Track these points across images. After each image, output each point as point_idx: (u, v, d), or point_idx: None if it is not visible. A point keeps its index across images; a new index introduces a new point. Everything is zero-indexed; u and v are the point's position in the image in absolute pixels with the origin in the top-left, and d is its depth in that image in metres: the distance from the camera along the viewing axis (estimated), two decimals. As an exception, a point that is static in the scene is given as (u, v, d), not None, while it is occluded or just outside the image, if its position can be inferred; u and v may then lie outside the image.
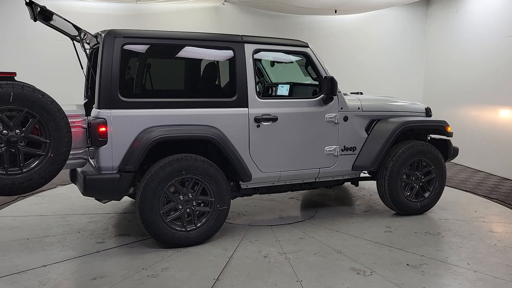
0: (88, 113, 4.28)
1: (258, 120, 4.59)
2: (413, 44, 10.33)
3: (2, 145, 3.55)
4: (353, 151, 5.17)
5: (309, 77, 5.57)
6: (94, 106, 4.15)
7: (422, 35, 10.33)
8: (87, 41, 5.15)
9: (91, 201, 5.87)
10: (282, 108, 4.72)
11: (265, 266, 3.95)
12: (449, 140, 5.64)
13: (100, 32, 4.20)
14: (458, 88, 9.19)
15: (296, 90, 5.68)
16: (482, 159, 8.51)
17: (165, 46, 4.40)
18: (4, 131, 3.55)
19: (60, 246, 4.39)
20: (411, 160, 5.28)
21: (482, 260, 4.14)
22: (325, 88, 4.76)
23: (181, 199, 4.29)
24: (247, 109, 4.55)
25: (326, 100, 4.89)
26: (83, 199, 5.96)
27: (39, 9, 4.23)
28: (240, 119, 4.53)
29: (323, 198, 6.30)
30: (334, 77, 4.73)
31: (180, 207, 4.29)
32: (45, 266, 3.91)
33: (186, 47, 4.49)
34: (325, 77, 4.75)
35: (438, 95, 9.87)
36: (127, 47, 4.14)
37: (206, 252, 4.24)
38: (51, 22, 4.60)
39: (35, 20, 4.61)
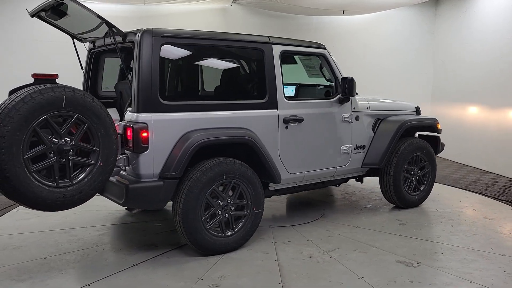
0: None
1: (286, 121, 4.59)
2: (421, 45, 10.26)
3: (52, 155, 3.20)
4: (363, 149, 5.37)
5: (314, 77, 5.68)
6: (130, 110, 3.88)
7: (430, 35, 10.28)
8: (90, 41, 4.79)
9: (85, 213, 5.49)
10: (306, 109, 4.77)
11: (317, 266, 3.97)
12: (438, 136, 6.07)
13: (133, 31, 3.93)
14: (467, 88, 9.12)
15: (302, 90, 5.75)
16: (492, 160, 8.33)
17: (202, 46, 4.20)
18: (54, 140, 3.20)
19: (88, 263, 4.03)
20: (410, 156, 5.61)
21: (500, 244, 4.53)
22: (344, 89, 4.89)
23: (220, 204, 4.16)
24: (276, 110, 4.53)
25: (343, 101, 5.03)
26: (74, 212, 5.47)
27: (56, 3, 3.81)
28: (271, 121, 4.50)
29: (319, 196, 6.42)
30: (353, 78, 4.87)
31: (220, 213, 4.17)
32: (89, 285, 3.58)
33: (222, 47, 4.36)
34: (345, 78, 4.88)
35: (447, 95, 9.85)
36: (165, 47, 3.91)
37: (249, 257, 4.16)
38: (61, 19, 4.22)
39: (32, 16, 4.21)
